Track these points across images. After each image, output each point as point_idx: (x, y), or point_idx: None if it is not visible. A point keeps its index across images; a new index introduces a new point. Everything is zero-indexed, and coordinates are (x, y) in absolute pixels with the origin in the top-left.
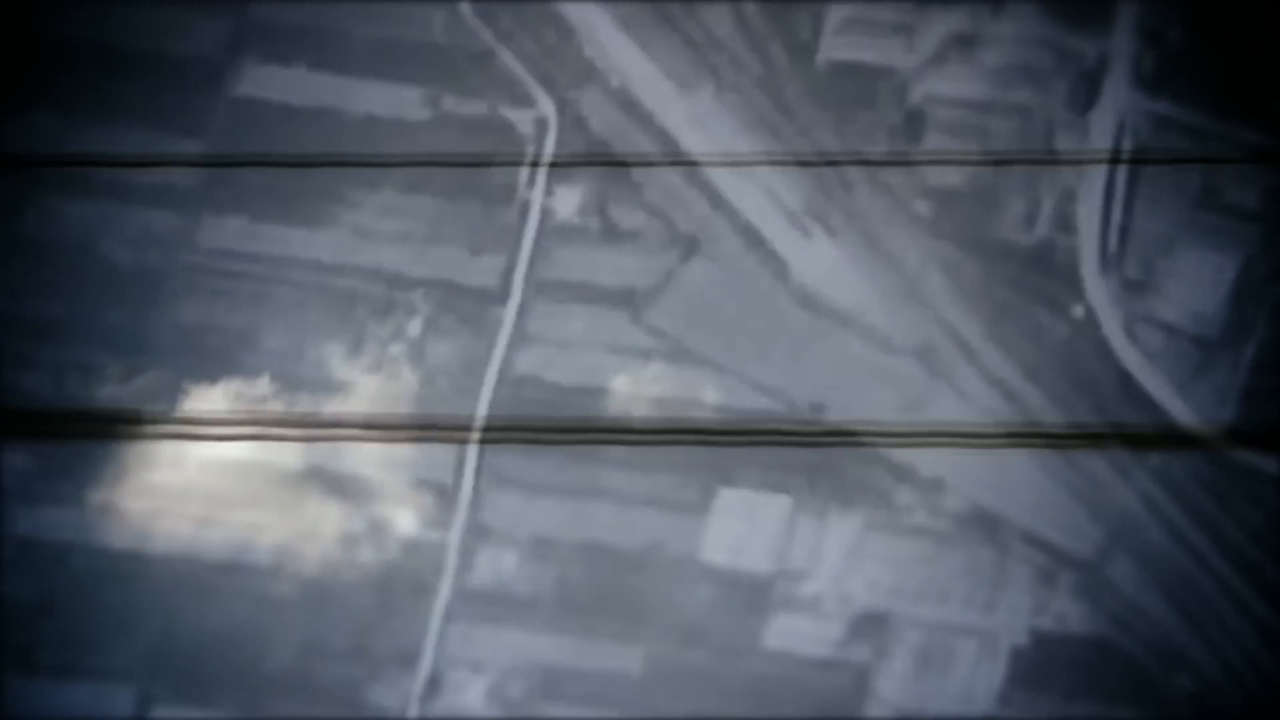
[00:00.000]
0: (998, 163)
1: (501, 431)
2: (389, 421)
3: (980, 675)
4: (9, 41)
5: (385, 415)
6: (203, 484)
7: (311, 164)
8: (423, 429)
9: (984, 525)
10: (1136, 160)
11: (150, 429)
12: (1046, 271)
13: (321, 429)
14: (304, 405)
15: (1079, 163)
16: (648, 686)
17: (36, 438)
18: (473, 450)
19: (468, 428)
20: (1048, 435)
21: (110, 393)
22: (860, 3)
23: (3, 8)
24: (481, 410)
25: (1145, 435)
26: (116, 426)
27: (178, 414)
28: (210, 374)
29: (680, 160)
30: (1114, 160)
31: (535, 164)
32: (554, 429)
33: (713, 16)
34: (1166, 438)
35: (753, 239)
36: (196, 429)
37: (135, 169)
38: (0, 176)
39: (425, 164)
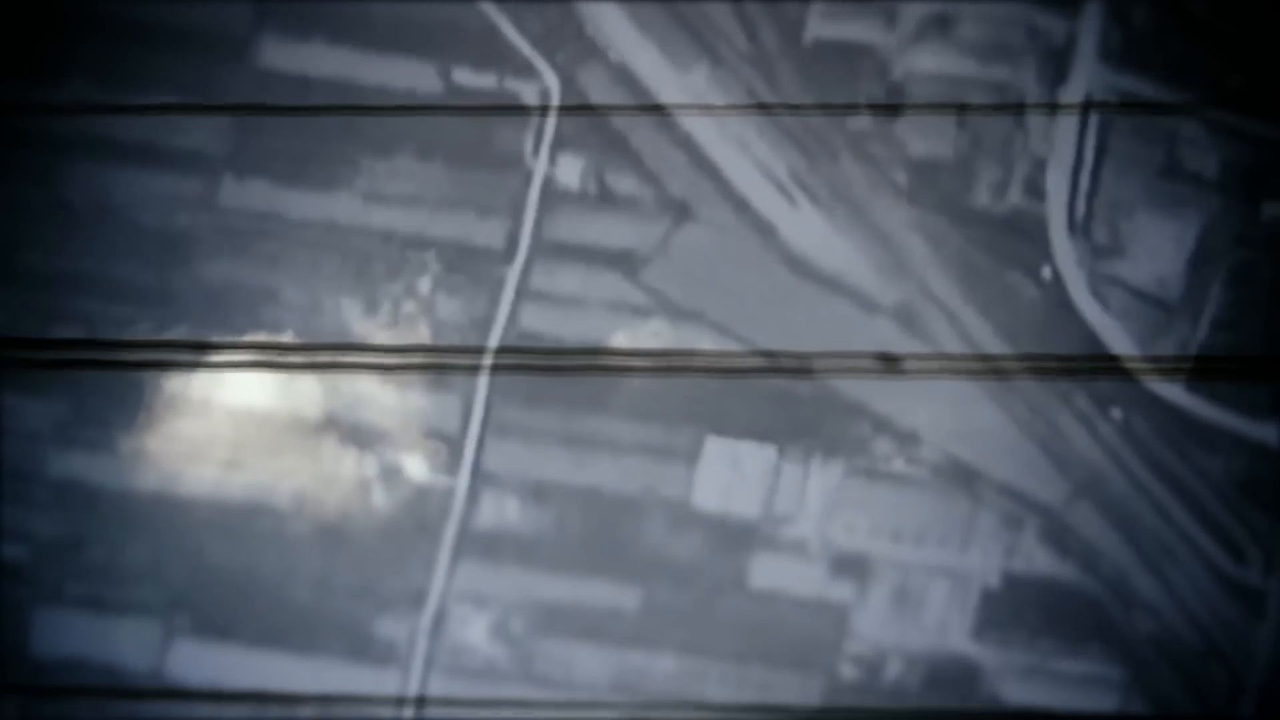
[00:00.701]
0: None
1: (514, 355)
2: (403, 355)
3: (953, 614)
4: (46, 14)
5: (399, 345)
6: (227, 431)
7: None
8: (436, 358)
9: (958, 474)
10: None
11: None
12: (1018, 236)
13: (339, 358)
14: (324, 356)
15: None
16: (642, 623)
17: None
18: (479, 401)
19: (480, 351)
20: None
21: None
22: None
23: None
24: (487, 365)
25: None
26: (146, 369)
27: (205, 357)
28: (235, 327)
29: (667, 106)
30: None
31: (544, 112)
32: (560, 352)
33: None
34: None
35: (742, 206)
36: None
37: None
38: (35, 143)
39: (438, 110)
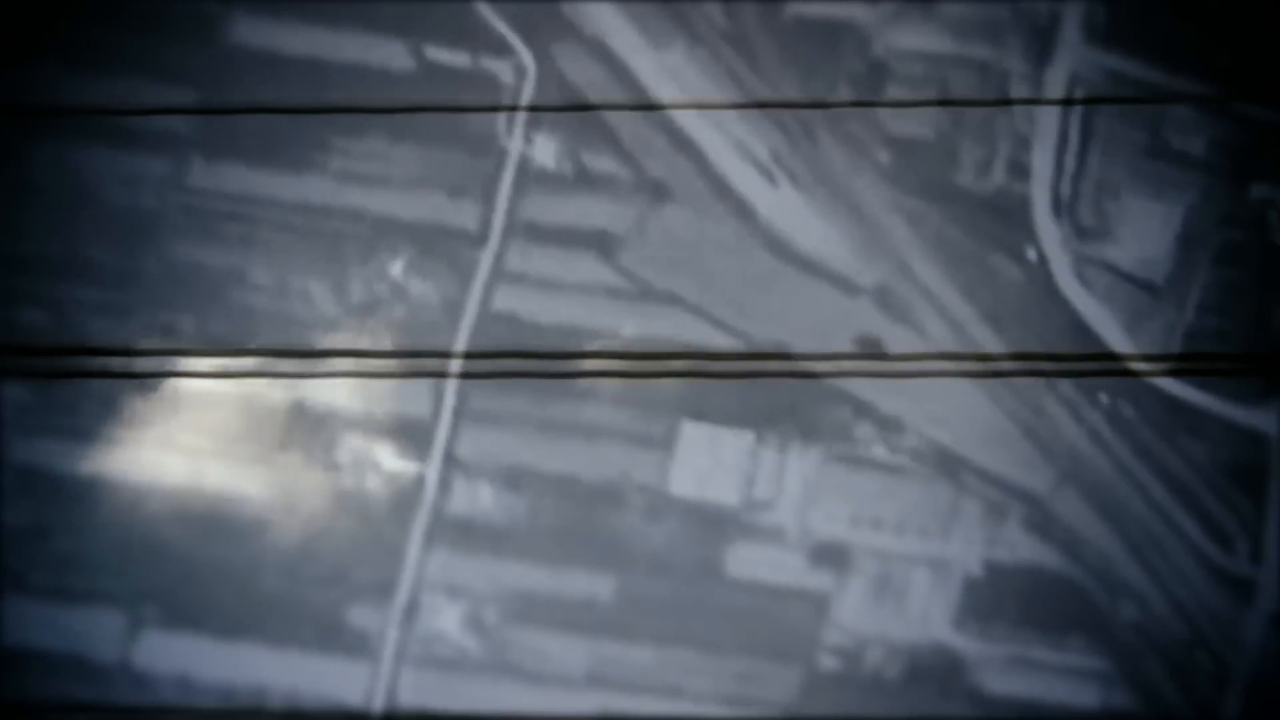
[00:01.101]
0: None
1: (481, 360)
2: (373, 355)
3: (935, 603)
4: None
5: (369, 350)
6: (195, 418)
7: (301, 110)
8: (407, 359)
9: (940, 461)
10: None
11: (145, 364)
12: (1002, 217)
13: (307, 361)
14: (292, 339)
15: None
16: (618, 612)
17: (34, 375)
18: (451, 387)
19: (446, 356)
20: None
21: (105, 326)
22: None
23: None
24: (460, 345)
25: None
26: (112, 361)
27: (171, 347)
28: (201, 309)
29: (651, 105)
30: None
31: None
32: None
33: None
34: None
35: (721, 186)
36: (188, 364)
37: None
38: (4, 125)
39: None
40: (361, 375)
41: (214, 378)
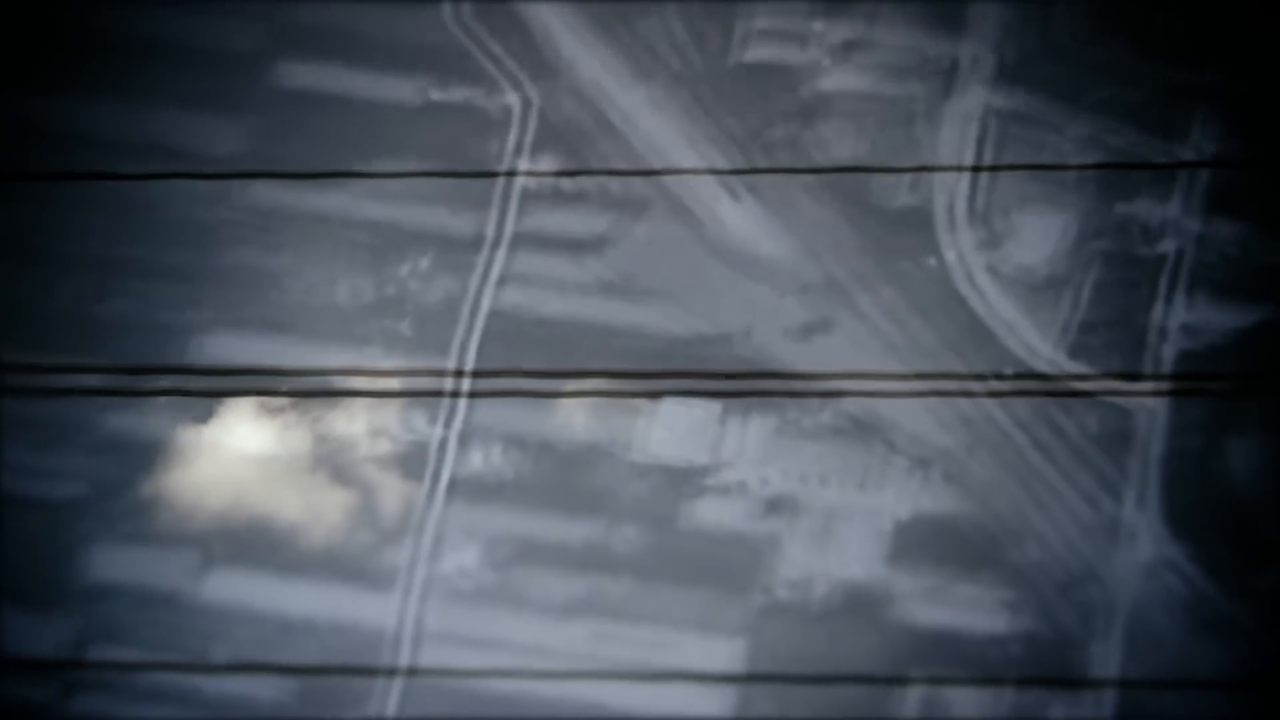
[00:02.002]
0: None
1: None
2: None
3: (869, 545)
4: (79, 35)
5: (375, 368)
6: (254, 390)
7: (318, 175)
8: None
9: (875, 426)
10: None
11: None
12: (919, 228)
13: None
14: (322, 325)
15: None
16: (605, 552)
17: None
18: (469, 365)
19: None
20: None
21: (175, 315)
22: (766, 13)
23: (75, 5)
24: (473, 338)
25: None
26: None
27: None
28: (248, 301)
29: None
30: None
31: (511, 175)
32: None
33: (644, 26)
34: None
35: (691, 199)
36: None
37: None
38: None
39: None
40: (365, 394)
41: (273, 375)
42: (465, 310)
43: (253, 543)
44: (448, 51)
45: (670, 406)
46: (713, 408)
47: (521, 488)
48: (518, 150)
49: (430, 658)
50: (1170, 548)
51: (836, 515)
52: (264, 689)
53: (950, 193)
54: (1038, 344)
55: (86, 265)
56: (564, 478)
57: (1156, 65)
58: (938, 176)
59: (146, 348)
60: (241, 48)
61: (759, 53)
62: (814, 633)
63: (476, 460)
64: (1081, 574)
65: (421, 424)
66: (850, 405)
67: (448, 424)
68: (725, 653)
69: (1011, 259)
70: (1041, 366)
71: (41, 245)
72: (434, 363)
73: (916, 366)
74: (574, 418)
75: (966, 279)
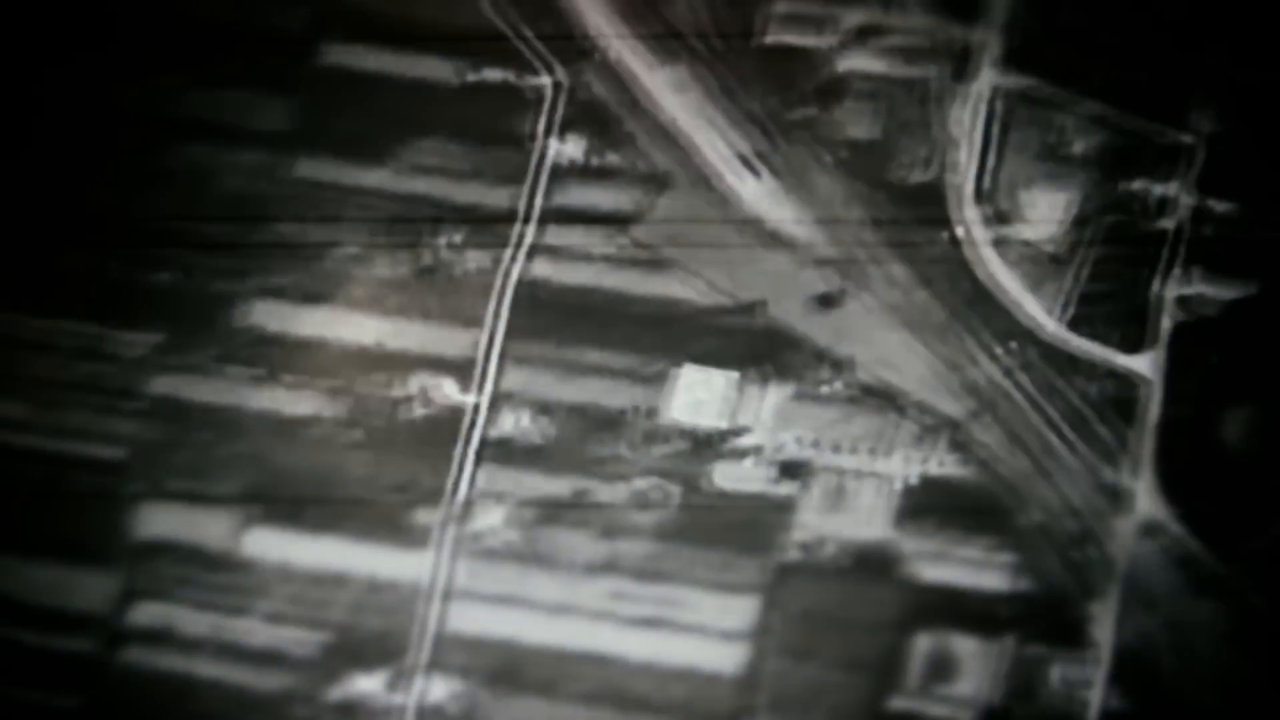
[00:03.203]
0: None
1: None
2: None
3: (878, 507)
4: (140, 17)
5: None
6: (292, 360)
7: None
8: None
9: (884, 394)
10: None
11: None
12: (936, 202)
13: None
14: (370, 295)
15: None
16: (625, 514)
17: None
18: (499, 336)
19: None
20: None
21: (224, 285)
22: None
23: None
24: (504, 307)
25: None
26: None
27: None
28: (298, 272)
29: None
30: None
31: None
32: None
33: (670, 12)
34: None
35: (714, 176)
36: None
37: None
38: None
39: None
40: (400, 360)
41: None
42: (498, 280)
43: (291, 502)
44: (484, 35)
45: (690, 374)
46: (729, 375)
47: (548, 451)
48: (548, 129)
49: (459, 613)
50: (1165, 511)
51: (846, 479)
52: (301, 643)
53: (961, 171)
54: (1042, 316)
55: (139, 236)
56: (586, 442)
57: (1157, 49)
58: (949, 155)
59: (196, 316)
60: (291, 27)
61: (780, 36)
62: (825, 590)
63: (507, 424)
64: (1079, 535)
65: (454, 390)
66: (862, 375)
67: (480, 390)
68: (740, 610)
69: (1018, 234)
70: (1045, 338)
71: (95, 217)
72: (467, 331)
73: (926, 337)
74: (599, 384)
75: (975, 253)
